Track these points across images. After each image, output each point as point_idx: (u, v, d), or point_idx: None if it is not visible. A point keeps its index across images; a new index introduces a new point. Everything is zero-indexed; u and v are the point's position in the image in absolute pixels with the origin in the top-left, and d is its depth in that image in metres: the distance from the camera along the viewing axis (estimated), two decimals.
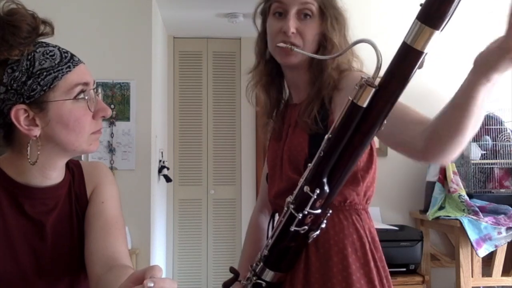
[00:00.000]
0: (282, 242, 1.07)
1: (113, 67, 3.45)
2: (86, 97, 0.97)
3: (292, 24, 1.21)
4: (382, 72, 0.92)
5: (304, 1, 1.22)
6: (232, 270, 1.22)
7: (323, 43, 1.25)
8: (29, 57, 0.94)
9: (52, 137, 0.96)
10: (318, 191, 0.98)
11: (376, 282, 1.16)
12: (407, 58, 0.86)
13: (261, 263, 1.11)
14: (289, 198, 1.04)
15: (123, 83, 3.47)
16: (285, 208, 1.05)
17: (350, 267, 1.15)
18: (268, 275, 1.11)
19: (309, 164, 1.01)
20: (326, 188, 0.98)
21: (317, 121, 1.19)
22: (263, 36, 1.33)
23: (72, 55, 0.99)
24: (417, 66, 0.87)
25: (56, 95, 0.94)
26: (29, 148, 0.95)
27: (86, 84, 0.98)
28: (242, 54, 4.84)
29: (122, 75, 3.47)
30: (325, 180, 0.98)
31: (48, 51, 0.96)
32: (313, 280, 1.16)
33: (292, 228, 1.03)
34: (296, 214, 1.02)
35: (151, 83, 3.53)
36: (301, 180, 1.02)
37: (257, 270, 1.12)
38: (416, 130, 1.00)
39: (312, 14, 1.23)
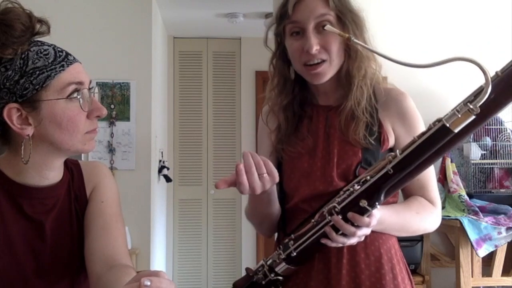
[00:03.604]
0: (316, 245, 1.05)
1: (113, 67, 3.46)
2: (79, 97, 0.96)
3: (314, 42, 1.14)
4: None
5: (319, 14, 1.15)
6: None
7: (348, 51, 1.19)
8: (23, 56, 0.93)
9: (46, 136, 0.95)
10: (377, 205, 0.97)
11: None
12: None
13: (284, 262, 1.08)
14: (334, 206, 1.01)
15: (123, 83, 3.47)
16: (328, 216, 1.01)
17: (399, 276, 1.16)
18: (284, 269, 1.09)
19: (368, 177, 0.98)
20: (382, 200, 0.98)
21: (366, 137, 1.16)
22: (281, 55, 1.25)
23: (67, 54, 0.98)
24: None
25: (49, 94, 0.93)
26: (22, 147, 0.95)
27: (80, 83, 0.97)
28: (242, 54, 4.84)
29: (122, 75, 3.47)
30: (383, 194, 0.97)
31: (42, 50, 0.95)
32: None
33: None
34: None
35: (151, 83, 3.53)
36: (350, 189, 1.00)
37: (274, 267, 1.09)
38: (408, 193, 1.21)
39: (331, 25, 1.14)
